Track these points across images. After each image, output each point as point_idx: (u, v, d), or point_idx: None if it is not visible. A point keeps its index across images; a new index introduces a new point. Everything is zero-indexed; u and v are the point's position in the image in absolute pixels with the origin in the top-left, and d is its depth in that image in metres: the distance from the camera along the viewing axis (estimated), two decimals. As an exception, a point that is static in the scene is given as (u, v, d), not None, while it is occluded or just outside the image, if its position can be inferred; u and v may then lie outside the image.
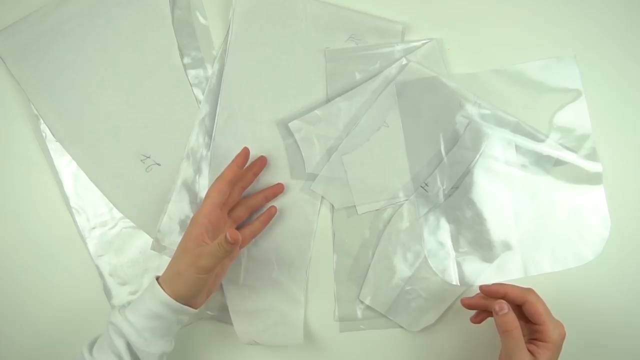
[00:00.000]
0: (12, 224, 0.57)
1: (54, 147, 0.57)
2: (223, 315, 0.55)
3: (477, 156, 0.56)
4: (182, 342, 0.55)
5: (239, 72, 0.58)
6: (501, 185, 0.56)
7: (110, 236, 0.56)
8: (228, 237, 0.43)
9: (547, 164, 0.56)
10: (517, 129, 0.57)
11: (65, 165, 0.57)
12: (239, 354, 0.56)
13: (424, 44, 0.59)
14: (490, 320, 0.52)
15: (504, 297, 0.47)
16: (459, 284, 0.55)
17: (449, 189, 0.56)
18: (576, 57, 0.58)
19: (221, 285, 0.55)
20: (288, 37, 0.59)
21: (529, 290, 0.47)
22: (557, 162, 0.56)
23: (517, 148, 0.56)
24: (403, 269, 0.55)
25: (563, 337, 0.46)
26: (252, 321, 0.54)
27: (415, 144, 0.57)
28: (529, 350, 0.44)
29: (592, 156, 0.57)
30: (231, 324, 0.54)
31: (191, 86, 0.58)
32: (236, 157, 0.53)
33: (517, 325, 0.45)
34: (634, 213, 0.56)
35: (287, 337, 0.54)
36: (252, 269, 0.55)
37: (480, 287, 0.49)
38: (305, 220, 0.57)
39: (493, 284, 0.49)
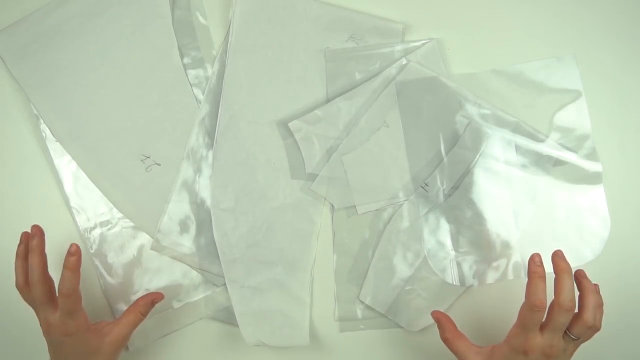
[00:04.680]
0: (12, 224, 0.57)
1: (54, 147, 0.57)
2: (228, 317, 0.55)
3: (477, 156, 0.56)
4: (187, 343, 0.55)
5: (240, 74, 0.58)
6: (501, 185, 0.56)
7: (110, 236, 0.56)
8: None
9: (547, 164, 0.56)
10: (517, 129, 0.57)
11: (65, 165, 0.57)
12: (241, 355, 0.55)
13: (424, 44, 0.59)
14: (490, 320, 0.52)
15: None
16: (458, 284, 0.55)
17: (449, 189, 0.56)
18: (576, 57, 0.58)
19: (225, 286, 0.55)
20: (288, 38, 0.59)
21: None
22: (557, 162, 0.56)
23: (517, 148, 0.56)
24: (403, 268, 0.55)
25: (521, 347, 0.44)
26: (258, 323, 0.54)
27: (415, 144, 0.57)
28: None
29: (592, 156, 0.57)
30: (236, 325, 0.54)
31: (191, 86, 0.58)
32: (18, 249, 0.50)
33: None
34: (634, 213, 0.56)
35: (293, 338, 0.54)
36: (257, 270, 0.55)
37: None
38: (308, 220, 0.57)
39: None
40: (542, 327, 0.44)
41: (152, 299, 0.52)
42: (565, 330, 0.44)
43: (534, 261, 0.45)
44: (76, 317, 0.47)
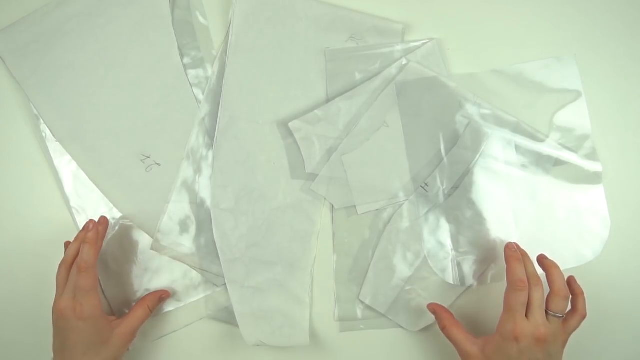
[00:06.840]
0: (12, 224, 0.57)
1: (54, 147, 0.57)
2: (228, 317, 0.55)
3: (477, 156, 0.56)
4: (187, 343, 0.55)
5: (240, 74, 0.58)
6: (501, 185, 0.56)
7: (110, 236, 0.56)
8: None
9: (547, 164, 0.56)
10: (517, 129, 0.57)
11: (65, 165, 0.57)
12: (241, 355, 0.56)
13: (424, 44, 0.59)
14: (490, 319, 0.52)
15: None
16: (458, 284, 0.55)
17: (449, 189, 0.56)
18: (576, 57, 0.58)
19: (225, 286, 0.55)
20: (288, 38, 0.59)
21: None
22: (557, 162, 0.56)
23: (517, 148, 0.56)
24: (403, 268, 0.55)
25: (509, 337, 0.46)
26: (258, 323, 0.54)
27: (415, 144, 0.57)
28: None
29: (592, 156, 0.57)
30: (236, 325, 0.54)
31: (191, 86, 0.58)
32: (79, 234, 0.52)
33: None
34: (634, 213, 0.56)
35: (293, 338, 0.54)
36: (257, 270, 0.55)
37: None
38: (308, 220, 0.57)
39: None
40: (526, 313, 0.47)
41: (160, 295, 0.53)
42: (547, 311, 0.47)
43: (510, 248, 0.50)
44: (91, 298, 0.48)
